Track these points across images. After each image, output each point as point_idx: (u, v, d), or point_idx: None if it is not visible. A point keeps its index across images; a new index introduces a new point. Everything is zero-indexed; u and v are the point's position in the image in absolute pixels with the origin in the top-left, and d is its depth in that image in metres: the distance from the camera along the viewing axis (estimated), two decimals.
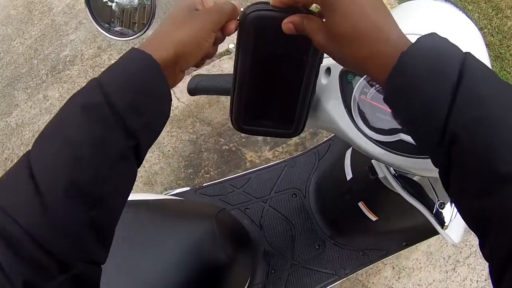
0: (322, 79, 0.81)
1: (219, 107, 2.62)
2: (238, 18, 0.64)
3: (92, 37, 3.24)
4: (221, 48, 2.90)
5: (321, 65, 0.68)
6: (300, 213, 1.56)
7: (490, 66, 0.74)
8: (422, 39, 0.48)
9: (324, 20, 0.56)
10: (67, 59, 3.16)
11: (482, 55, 0.74)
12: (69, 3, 3.66)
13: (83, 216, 0.45)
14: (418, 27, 0.72)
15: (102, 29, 0.80)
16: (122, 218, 0.51)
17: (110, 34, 0.80)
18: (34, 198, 0.42)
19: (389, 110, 0.72)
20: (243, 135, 2.46)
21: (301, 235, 1.54)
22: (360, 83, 0.74)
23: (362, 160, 1.05)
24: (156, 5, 0.75)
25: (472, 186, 0.43)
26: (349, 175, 1.17)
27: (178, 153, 2.49)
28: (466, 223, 0.46)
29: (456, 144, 0.43)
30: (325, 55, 0.70)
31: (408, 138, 0.69)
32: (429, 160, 0.52)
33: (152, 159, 2.48)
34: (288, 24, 0.59)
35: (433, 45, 0.47)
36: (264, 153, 2.43)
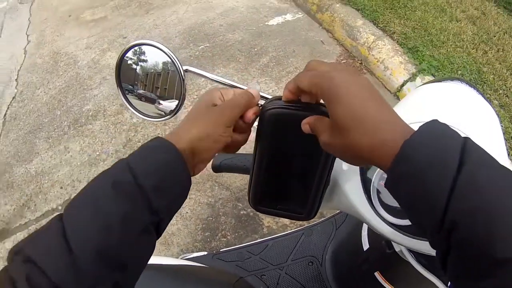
0: (343, 165, 0.89)
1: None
2: (258, 104, 0.73)
3: (115, 94, 3.43)
4: None
5: None
6: (316, 281, 1.59)
7: (504, 146, 0.82)
8: (423, 127, 0.51)
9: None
10: (90, 113, 3.34)
11: (496, 136, 0.81)
12: (94, 57, 3.92)
13: (108, 278, 0.51)
14: (434, 114, 0.77)
15: (140, 114, 0.88)
16: (138, 282, 0.58)
17: (144, 116, 0.88)
18: (65, 255, 0.49)
19: None
20: None
21: None
22: (379, 169, 0.81)
23: (378, 234, 1.08)
24: (186, 90, 0.82)
25: (470, 270, 0.45)
26: (366, 246, 1.21)
27: (196, 216, 2.59)
28: None
29: (455, 231, 0.45)
30: None
31: None
32: None
33: None
34: (305, 125, 0.66)
35: (434, 133, 0.51)
36: (281, 219, 2.51)
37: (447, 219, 0.46)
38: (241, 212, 2.59)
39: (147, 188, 0.56)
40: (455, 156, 0.47)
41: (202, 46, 3.89)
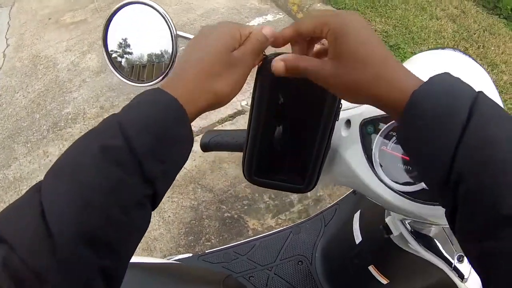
0: (342, 132, 0.83)
1: (221, 174, 2.67)
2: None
3: (95, 96, 3.37)
4: (233, 109, 2.96)
5: (341, 117, 0.70)
6: (306, 280, 1.54)
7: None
8: (435, 77, 0.50)
9: (332, 53, 0.55)
10: (69, 116, 3.26)
11: (493, 94, 0.76)
12: (73, 60, 3.84)
13: (93, 264, 0.44)
14: (433, 72, 0.75)
15: (118, 73, 0.82)
16: (123, 281, 0.50)
17: (125, 79, 0.82)
18: (44, 238, 0.42)
19: None
20: (245, 202, 2.50)
21: None
22: (381, 133, 0.76)
23: (374, 220, 1.05)
24: (177, 52, 0.77)
25: (476, 227, 0.43)
26: (358, 239, 1.17)
27: (178, 220, 2.51)
28: (471, 264, 0.47)
29: (461, 184, 0.44)
30: (342, 108, 0.72)
31: None
32: None
33: (152, 224, 2.50)
34: (279, 62, 0.59)
35: (445, 83, 0.49)
36: (267, 221, 2.46)
37: (454, 171, 0.44)
38: (225, 215, 2.51)
39: (141, 152, 0.48)
40: (465, 107, 0.45)
41: (182, 48, 3.77)
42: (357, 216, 1.23)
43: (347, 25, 0.54)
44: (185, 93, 0.55)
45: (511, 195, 0.40)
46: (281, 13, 4.18)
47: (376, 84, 0.52)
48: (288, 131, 0.70)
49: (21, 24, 4.58)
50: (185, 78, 0.57)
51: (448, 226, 0.85)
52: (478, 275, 0.45)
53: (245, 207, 2.52)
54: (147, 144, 0.48)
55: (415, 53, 3.20)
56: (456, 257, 0.86)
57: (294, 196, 2.52)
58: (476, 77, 0.80)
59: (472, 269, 0.85)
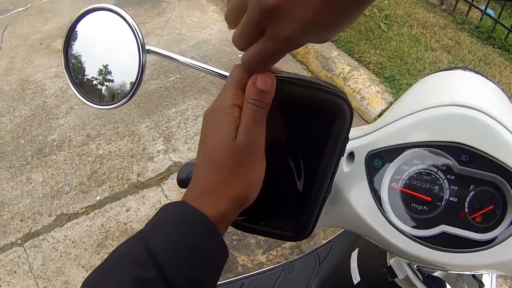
0: (344, 167, 0.71)
1: None
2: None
3: (82, 124, 3.27)
4: None
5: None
6: None
7: None
8: None
9: None
10: (55, 143, 3.17)
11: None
12: (62, 86, 3.75)
13: None
14: (460, 97, 0.64)
15: (82, 97, 0.72)
16: None
17: (90, 102, 0.71)
18: None
19: (428, 199, 0.62)
20: (234, 237, 2.38)
21: None
22: (390, 167, 0.64)
23: (375, 262, 0.95)
24: (144, 72, 0.67)
25: None
26: (356, 279, 1.05)
27: None
28: None
29: None
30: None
31: (452, 229, 0.60)
32: (478, 253, 0.53)
33: None
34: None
35: None
36: (257, 257, 2.34)
37: None
38: None
39: (177, 282, 0.42)
40: None
41: (172, 78, 3.75)
42: (355, 254, 1.11)
43: None
44: (209, 201, 0.48)
45: None
46: None
47: None
48: (280, 169, 0.57)
49: (13, 48, 4.50)
50: (205, 182, 0.50)
51: (469, 273, 0.74)
52: None
53: (234, 242, 2.40)
54: (182, 272, 0.43)
55: (410, 85, 3.14)
56: None
57: None
58: (494, 96, 0.70)
59: None
